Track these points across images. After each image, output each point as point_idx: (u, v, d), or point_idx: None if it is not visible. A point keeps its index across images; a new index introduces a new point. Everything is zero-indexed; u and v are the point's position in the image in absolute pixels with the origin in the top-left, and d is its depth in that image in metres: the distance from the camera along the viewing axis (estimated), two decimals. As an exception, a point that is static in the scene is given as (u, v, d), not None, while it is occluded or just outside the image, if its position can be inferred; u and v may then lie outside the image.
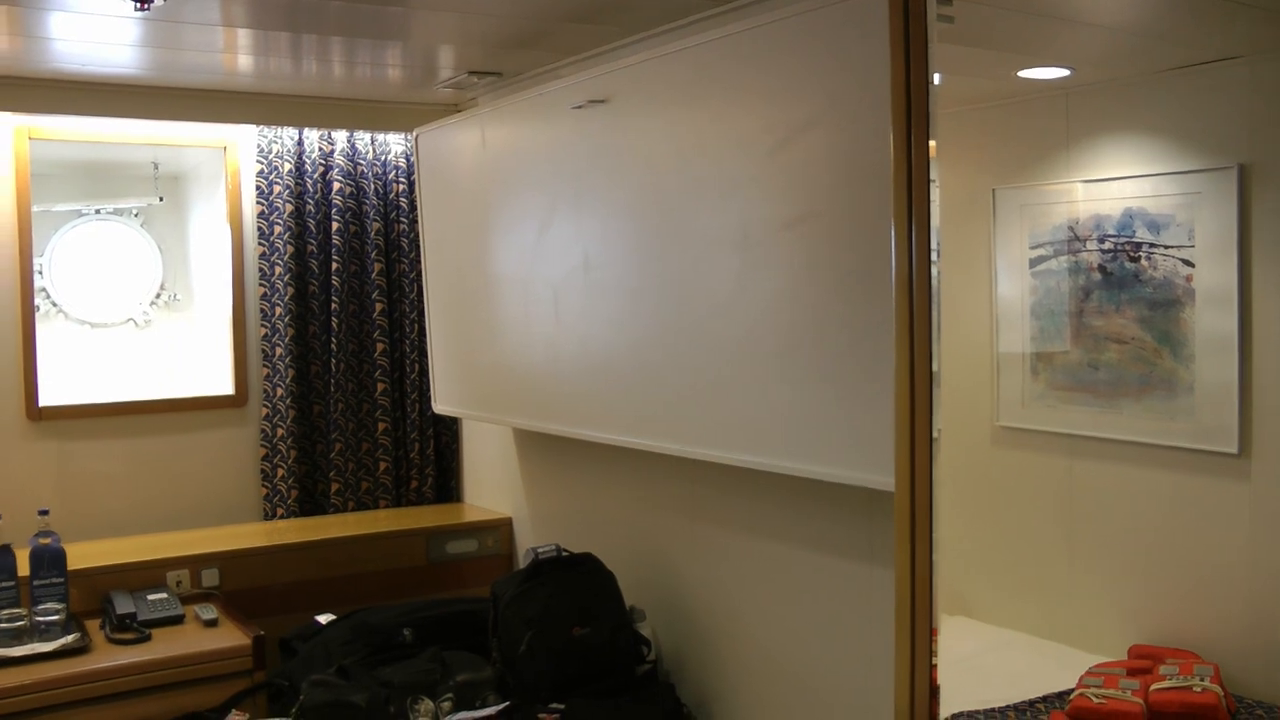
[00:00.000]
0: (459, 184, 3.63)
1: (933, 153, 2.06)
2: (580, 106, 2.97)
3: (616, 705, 2.84)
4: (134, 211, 4.22)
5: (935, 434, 2.01)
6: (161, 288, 4.24)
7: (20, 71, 3.45)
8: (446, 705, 2.86)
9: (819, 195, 2.33)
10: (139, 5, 2.63)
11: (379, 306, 4.16)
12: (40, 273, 3.99)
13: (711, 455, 2.68)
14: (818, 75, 2.31)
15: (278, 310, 4.06)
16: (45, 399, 3.86)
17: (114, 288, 4.17)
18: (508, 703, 2.82)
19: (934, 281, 2.06)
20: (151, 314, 4.24)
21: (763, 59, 2.44)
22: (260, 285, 4.08)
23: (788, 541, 2.74)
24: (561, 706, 2.80)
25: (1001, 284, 3.66)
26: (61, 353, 4.05)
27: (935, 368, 2.03)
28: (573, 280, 3.06)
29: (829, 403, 2.32)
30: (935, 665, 2.05)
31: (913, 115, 2.06)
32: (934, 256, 2.06)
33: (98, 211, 4.17)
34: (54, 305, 4.08)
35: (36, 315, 3.88)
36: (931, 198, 2.05)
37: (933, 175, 2.04)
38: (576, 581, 2.99)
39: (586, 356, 3.05)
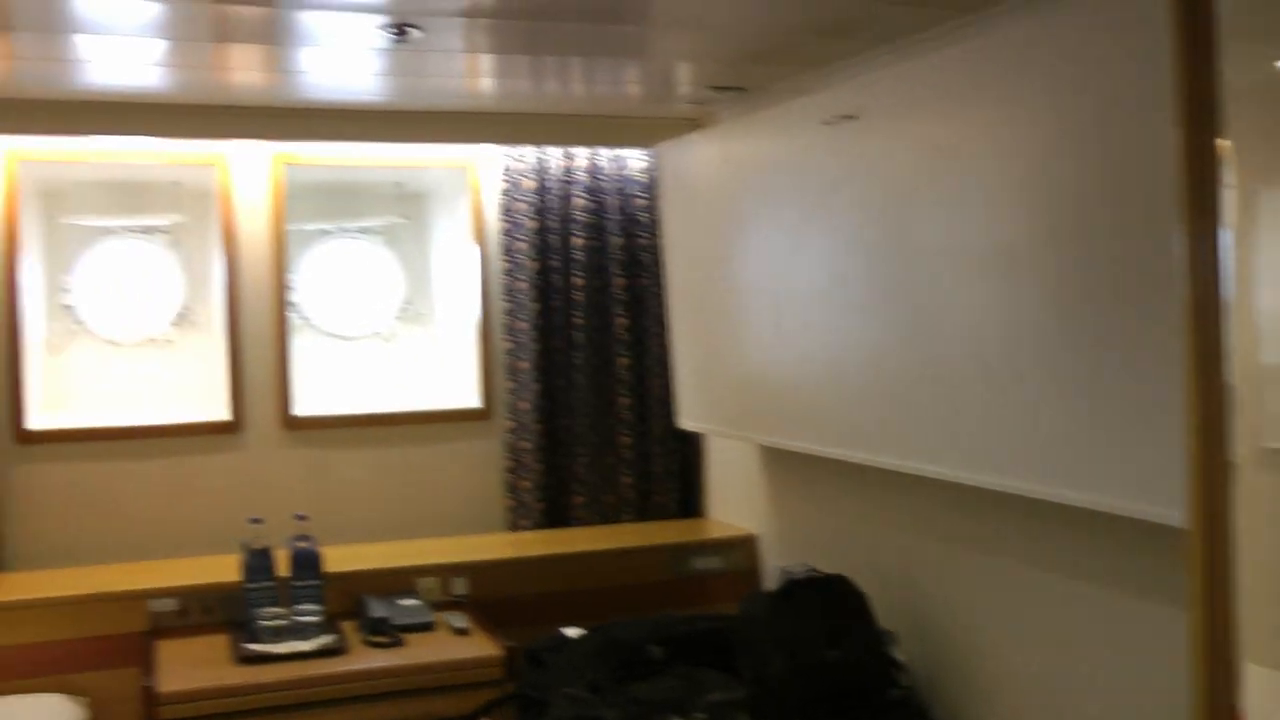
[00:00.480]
0: (702, 198, 3.62)
1: (1222, 152, 1.93)
2: (830, 122, 2.91)
3: (871, 730, 2.77)
4: (378, 229, 4.36)
5: (1231, 460, 1.87)
6: (406, 302, 4.36)
7: (276, 102, 3.61)
8: (700, 726, 2.84)
9: (1089, 203, 2.21)
10: (397, 37, 2.70)
11: (621, 321, 4.18)
12: (291, 288, 4.16)
13: (967, 478, 2.59)
14: (1087, 77, 2.20)
15: (522, 325, 4.13)
16: (299, 409, 4.02)
17: (360, 303, 4.31)
18: (761, 725, 2.78)
19: (1224, 290, 1.93)
20: (396, 328, 4.36)
21: (1024, 64, 2.34)
22: (504, 300, 4.15)
23: (1050, 570, 2.62)
24: (815, 731, 2.75)
25: (1264, 291, 3.40)
26: (312, 364, 4.21)
27: (1229, 383, 1.89)
28: (821, 295, 3.00)
29: (1102, 425, 2.20)
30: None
31: (1199, 112, 1.93)
32: (1224, 262, 1.93)
33: (344, 230, 4.33)
34: (304, 319, 4.24)
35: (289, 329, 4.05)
36: (1221, 200, 1.92)
37: (1223, 177, 1.91)
38: (828, 602, 2.93)
39: (836, 373, 2.98)
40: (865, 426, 2.89)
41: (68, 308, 4.00)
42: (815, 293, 3.03)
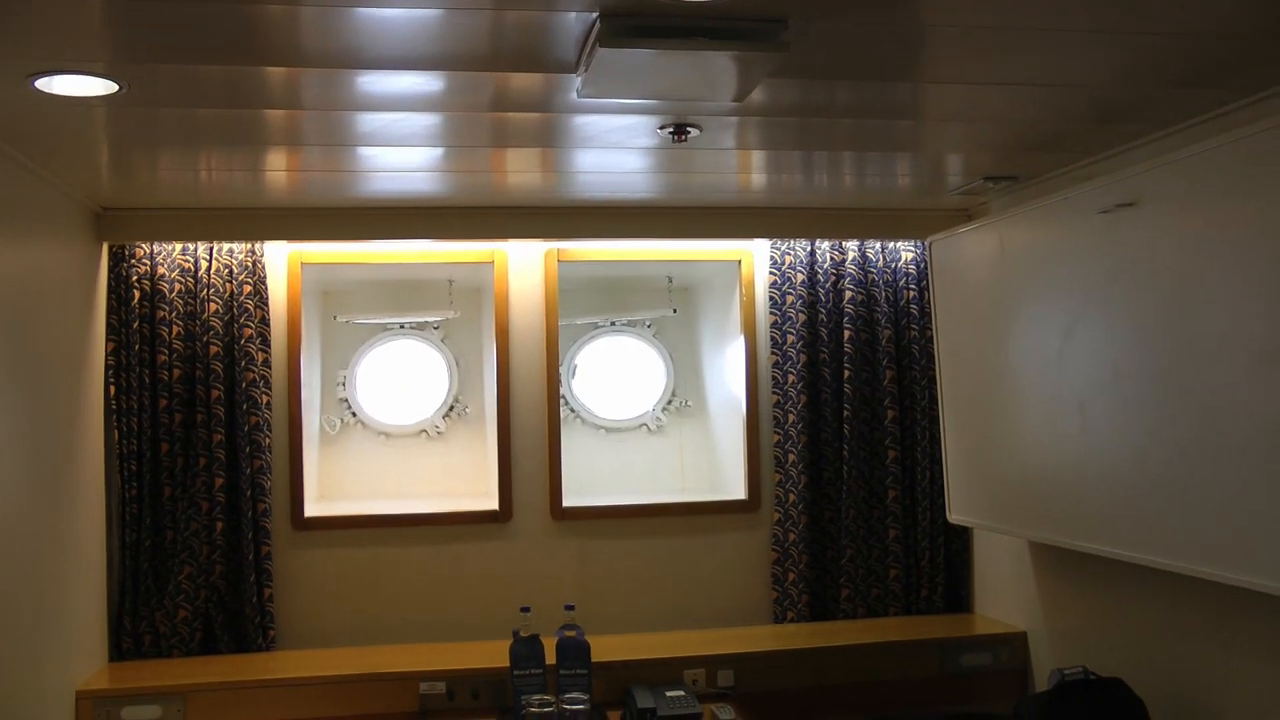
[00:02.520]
0: (975, 290, 3.59)
1: None
2: (1108, 211, 2.85)
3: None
4: (648, 323, 4.49)
5: None
6: (673, 394, 4.47)
7: (551, 202, 3.78)
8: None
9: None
10: (676, 138, 2.81)
11: (890, 414, 4.16)
12: (560, 381, 4.32)
13: (1252, 583, 2.45)
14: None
15: (790, 417, 4.16)
16: (568, 500, 4.14)
17: (629, 395, 4.44)
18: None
19: None
20: (663, 419, 4.46)
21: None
22: (773, 393, 4.19)
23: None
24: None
25: None
26: (581, 457, 4.35)
27: None
28: (1099, 391, 2.93)
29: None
30: None
31: None
32: None
33: (613, 324, 4.48)
34: (573, 412, 4.39)
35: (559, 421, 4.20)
36: None
37: None
38: (1105, 707, 2.82)
39: (1113, 470, 2.89)
40: (1142, 524, 2.79)
41: (343, 401, 4.27)
42: (1092, 386, 2.96)
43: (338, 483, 4.25)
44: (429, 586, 4.07)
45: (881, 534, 4.19)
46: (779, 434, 4.19)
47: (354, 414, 4.29)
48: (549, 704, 3.35)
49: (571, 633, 3.50)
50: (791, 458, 4.15)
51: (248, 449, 3.89)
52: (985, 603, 4.14)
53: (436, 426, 4.32)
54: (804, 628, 4.09)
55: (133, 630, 3.82)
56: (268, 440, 3.93)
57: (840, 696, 3.68)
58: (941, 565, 4.20)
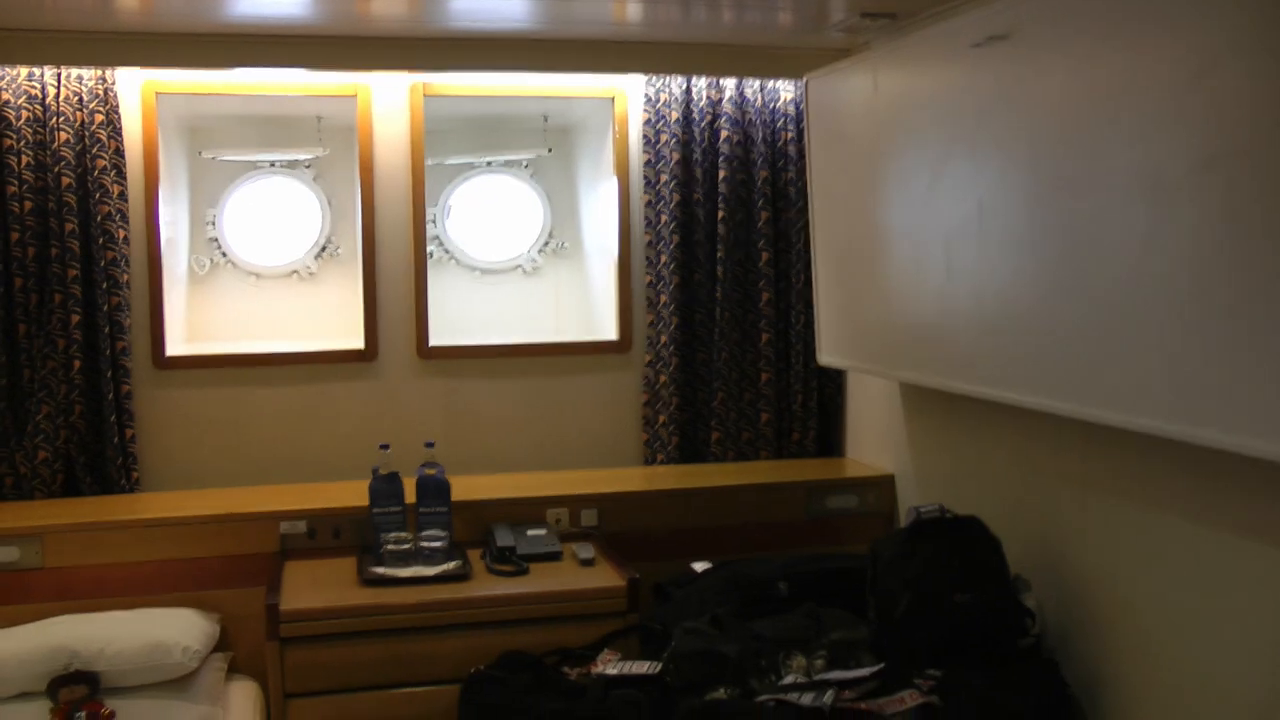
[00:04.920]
0: (850, 131, 3.51)
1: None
2: (980, 44, 2.77)
3: (996, 677, 2.66)
4: (524, 163, 4.34)
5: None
6: (549, 236, 4.35)
7: (417, 32, 3.59)
8: (820, 663, 2.78)
9: (1260, 123, 2.04)
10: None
11: (765, 256, 4.10)
12: (434, 222, 4.19)
13: (1110, 418, 2.44)
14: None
15: (663, 258, 4.08)
16: (435, 339, 4.05)
17: (504, 236, 4.32)
18: (882, 665, 2.70)
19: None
20: (539, 261, 4.36)
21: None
22: (646, 233, 4.10)
23: (1198, 521, 2.46)
24: (938, 674, 2.67)
25: None
26: (453, 297, 4.24)
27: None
28: (966, 230, 2.87)
29: (1256, 366, 2.05)
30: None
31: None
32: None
33: (489, 164, 4.32)
34: (447, 253, 4.27)
35: (430, 262, 4.10)
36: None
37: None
38: (960, 545, 2.83)
39: (979, 308, 2.86)
40: (1007, 362, 2.76)
41: (213, 240, 4.11)
42: (957, 225, 2.90)
43: (207, 324, 4.11)
44: (294, 427, 3.99)
45: (754, 377, 4.16)
46: (651, 275, 4.11)
47: (224, 254, 4.12)
48: (406, 540, 3.30)
49: (431, 470, 3.45)
50: (664, 299, 4.09)
51: (104, 285, 3.73)
52: (856, 447, 4.15)
53: (308, 267, 4.17)
54: (672, 469, 4.08)
55: (-9, 472, 3.71)
56: (125, 277, 3.78)
57: (705, 538, 3.68)
58: (814, 409, 4.19)
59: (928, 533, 2.86)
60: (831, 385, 4.21)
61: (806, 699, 2.61)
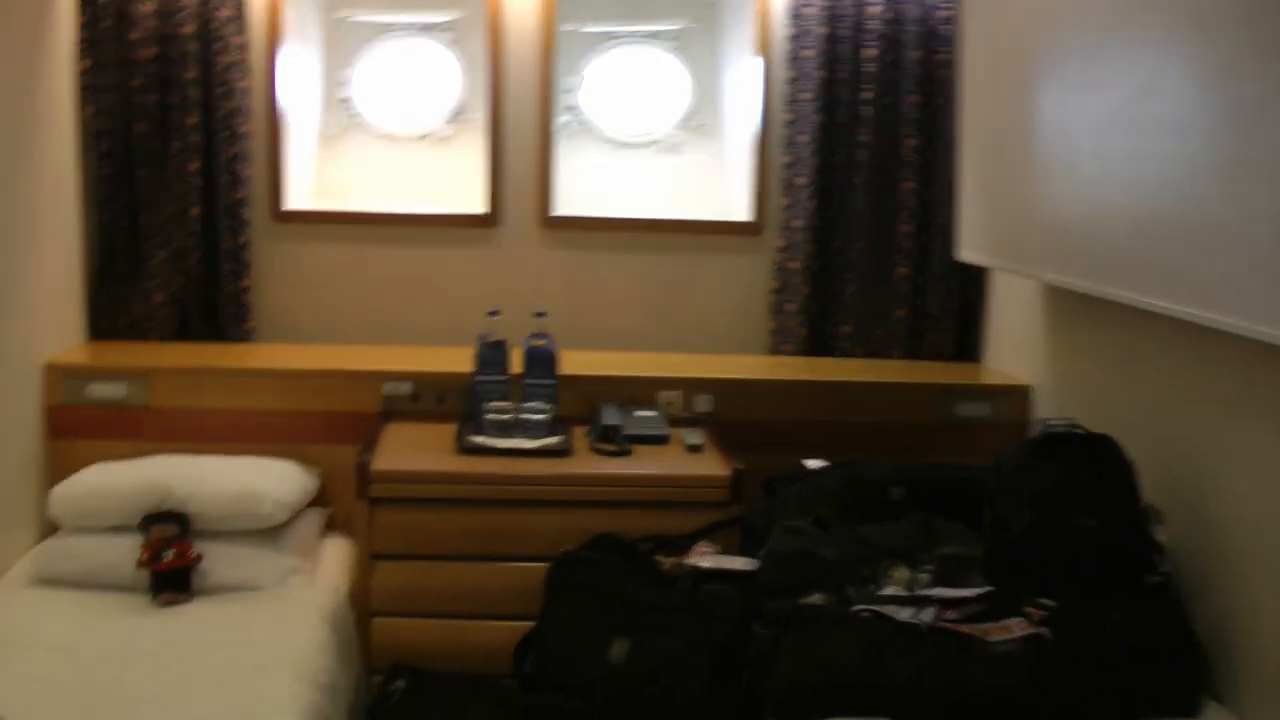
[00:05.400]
0: (1006, 6, 3.20)
1: None
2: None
3: (1115, 614, 2.43)
4: (668, 35, 4.12)
5: None
6: (691, 111, 4.14)
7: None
8: (925, 577, 2.59)
9: None
10: None
11: (911, 142, 3.83)
12: (572, 91, 4.02)
13: (1275, 336, 2.16)
14: None
15: (803, 139, 3.84)
16: (560, 209, 3.92)
17: (644, 109, 4.11)
18: (992, 588, 2.50)
19: None
20: (678, 137, 4.15)
21: None
22: (787, 112, 3.86)
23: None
24: (1052, 604, 2.44)
25: None
26: (586, 170, 4.07)
27: None
28: (1122, 116, 2.58)
29: None
30: None
31: None
32: None
33: (632, 34, 4.11)
34: (583, 124, 4.09)
35: (565, 132, 3.95)
36: None
37: None
38: (1089, 465, 2.59)
39: (1133, 204, 2.57)
40: (1164, 267, 2.46)
41: (344, 101, 4.00)
42: (1117, 111, 2.61)
43: (335, 184, 4.05)
44: (409, 289, 3.93)
45: (890, 271, 3.91)
46: (789, 156, 3.88)
47: (355, 115, 4.03)
48: (507, 411, 3.20)
49: (540, 341, 3.33)
50: (800, 181, 3.86)
51: (224, 135, 3.72)
52: (994, 353, 3.90)
53: (441, 131, 4.05)
54: (797, 360, 3.89)
55: (109, 311, 3.77)
56: (246, 128, 3.75)
57: (823, 435, 3.48)
58: (952, 310, 3.93)
59: (1055, 449, 2.63)
60: (973, 285, 3.94)
61: (904, 614, 2.43)
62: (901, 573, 2.61)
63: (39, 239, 3.37)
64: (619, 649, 2.68)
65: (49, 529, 3.18)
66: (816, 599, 2.58)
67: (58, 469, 3.29)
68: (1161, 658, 2.42)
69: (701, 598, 2.70)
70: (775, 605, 2.52)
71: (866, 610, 2.47)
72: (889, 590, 2.55)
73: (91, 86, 3.63)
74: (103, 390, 3.40)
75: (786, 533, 2.75)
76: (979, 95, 3.37)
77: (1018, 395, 3.58)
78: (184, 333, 3.80)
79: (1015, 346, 3.72)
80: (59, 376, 3.39)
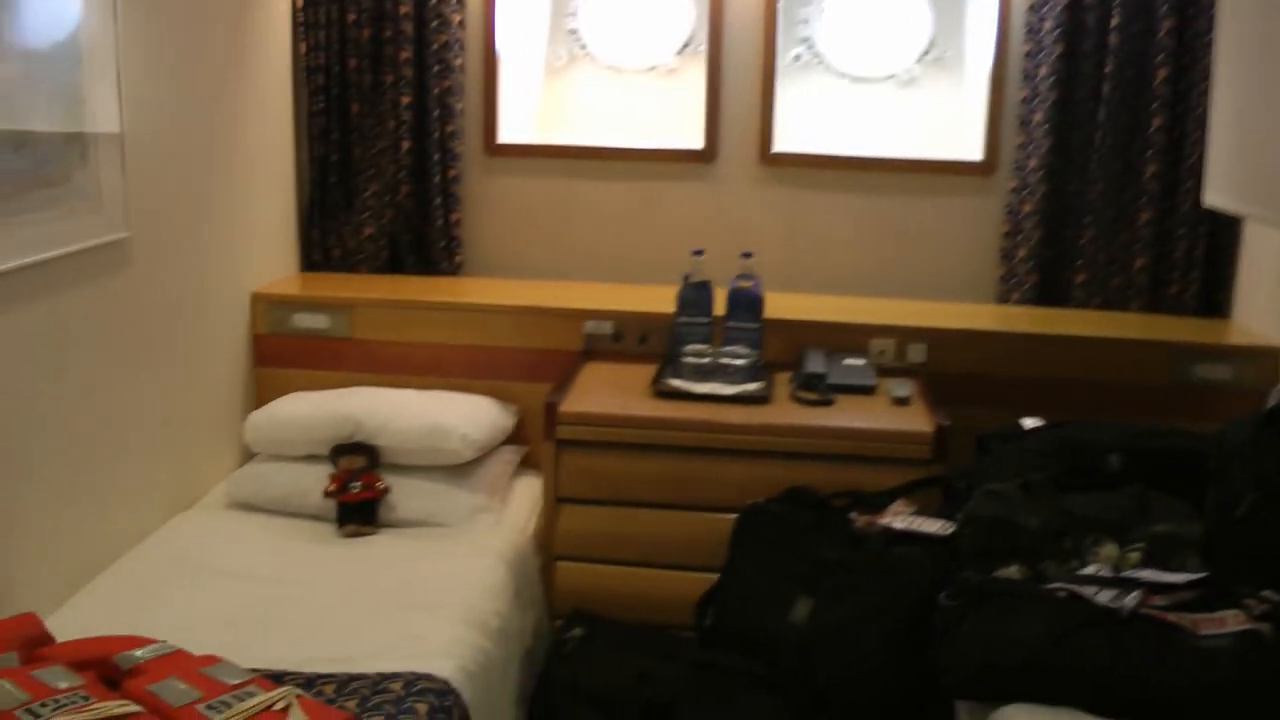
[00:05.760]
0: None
1: None
2: None
3: (1351, 611, 2.19)
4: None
5: None
6: (931, 44, 3.91)
7: None
8: (1134, 556, 2.40)
9: None
10: None
11: (1162, 73, 3.50)
12: (806, 23, 3.84)
13: None
14: None
15: (1042, 70, 3.58)
16: (781, 145, 3.77)
17: (883, 43, 3.89)
18: (1207, 574, 2.29)
19: None
20: (916, 71, 3.92)
21: None
22: (1025, 42, 3.61)
23: None
24: (1277, 597, 2.21)
25: None
26: (814, 105, 3.90)
27: None
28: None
29: None
30: None
31: None
32: None
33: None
34: (816, 57, 3.91)
35: (796, 66, 3.81)
36: None
37: None
38: (1330, 443, 2.33)
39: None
40: None
41: (572, 33, 3.95)
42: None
43: (558, 117, 4.01)
44: (621, 225, 3.88)
45: (1132, 215, 3.61)
46: (1027, 90, 3.63)
47: (583, 46, 3.97)
48: (706, 354, 3.13)
49: (746, 283, 3.23)
50: (1037, 117, 3.60)
51: (436, 68, 3.73)
52: (1245, 310, 3.56)
53: (669, 64, 3.96)
54: (1024, 311, 3.66)
55: (321, 243, 3.86)
56: (459, 61, 3.76)
57: (1045, 392, 3.28)
58: (1199, 260, 3.60)
59: (1294, 421, 2.39)
60: (1225, 233, 3.59)
61: (1106, 596, 2.25)
62: (1109, 549, 2.43)
63: (254, 173, 3.48)
64: (802, 608, 2.60)
65: (249, 454, 3.30)
66: (1013, 571, 2.43)
67: (263, 396, 3.42)
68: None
69: (892, 560, 2.58)
70: (964, 576, 2.38)
71: (1063, 589, 2.30)
72: (1092, 568, 2.36)
73: (306, 23, 3.71)
74: (307, 321, 3.49)
75: (988, 496, 2.59)
76: (1239, 15, 3.04)
77: (1266, 358, 3.26)
78: (395, 266, 3.86)
79: (1268, 302, 3.39)
80: (265, 306, 3.49)
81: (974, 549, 2.50)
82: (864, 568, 2.58)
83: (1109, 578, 2.31)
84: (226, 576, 2.68)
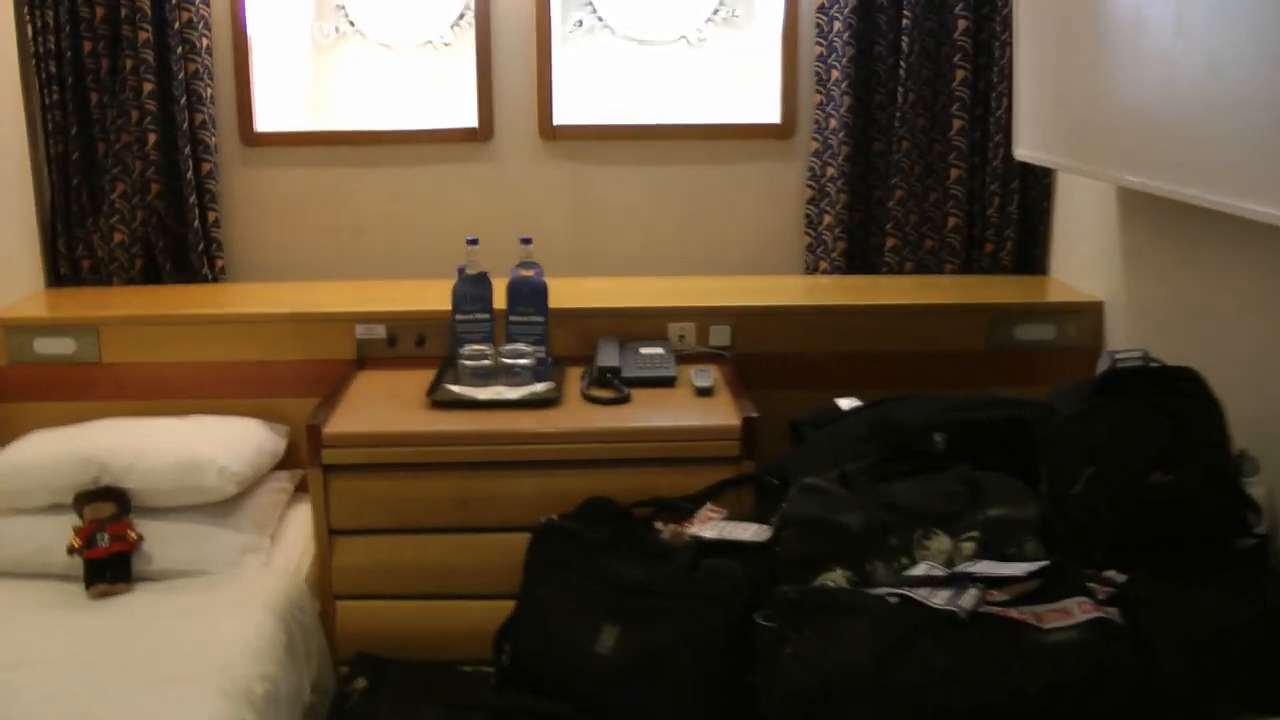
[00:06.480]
0: None
1: None
2: None
3: (1200, 587, 1.97)
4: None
5: None
6: (720, 2, 3.63)
7: None
8: (968, 547, 2.15)
9: None
10: None
11: (962, 24, 3.30)
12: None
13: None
14: None
15: (836, 25, 3.35)
16: (561, 117, 3.47)
17: (670, 3, 3.61)
18: (1046, 561, 2.05)
19: None
20: (706, 31, 3.65)
21: None
22: (819, -3, 3.37)
23: None
24: (1121, 578, 2.00)
25: None
26: (596, 70, 3.62)
27: None
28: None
29: None
30: None
31: None
32: None
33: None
34: (600, 20, 3.61)
35: (579, 31, 3.53)
36: None
37: None
38: (1165, 406, 2.11)
39: (1217, 80, 2.07)
40: (1258, 160, 1.98)
41: (340, 8, 3.59)
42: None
43: (328, 100, 3.66)
44: (396, 215, 3.54)
45: (941, 173, 3.41)
46: (822, 45, 3.39)
47: (351, 22, 3.60)
48: (484, 355, 2.79)
49: (527, 272, 2.90)
50: (835, 74, 3.36)
51: (179, 50, 3.30)
52: (1062, 266, 3.39)
53: (443, 37, 3.61)
54: (834, 281, 3.43)
55: (69, 254, 3.43)
56: (205, 42, 3.34)
57: (861, 368, 3.06)
58: (1013, 217, 3.42)
59: (1124, 387, 2.17)
60: (1037, 187, 3.41)
61: (939, 598, 1.99)
62: (939, 542, 2.17)
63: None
64: (608, 637, 2.28)
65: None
66: (836, 576, 2.16)
67: (5, 437, 2.98)
68: (1256, 641, 1.96)
69: (701, 576, 2.28)
70: (781, 590, 2.09)
71: (894, 594, 2.03)
72: (923, 567, 2.10)
73: (30, 1, 3.26)
74: (49, 345, 3.06)
75: (804, 493, 2.31)
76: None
77: (1088, 314, 3.08)
78: (151, 275, 3.46)
79: (1085, 257, 3.21)
80: (1, 333, 3.05)
81: (793, 556, 2.23)
82: (672, 586, 2.27)
83: (942, 575, 2.06)
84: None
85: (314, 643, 2.62)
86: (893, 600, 2.01)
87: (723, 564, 2.27)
